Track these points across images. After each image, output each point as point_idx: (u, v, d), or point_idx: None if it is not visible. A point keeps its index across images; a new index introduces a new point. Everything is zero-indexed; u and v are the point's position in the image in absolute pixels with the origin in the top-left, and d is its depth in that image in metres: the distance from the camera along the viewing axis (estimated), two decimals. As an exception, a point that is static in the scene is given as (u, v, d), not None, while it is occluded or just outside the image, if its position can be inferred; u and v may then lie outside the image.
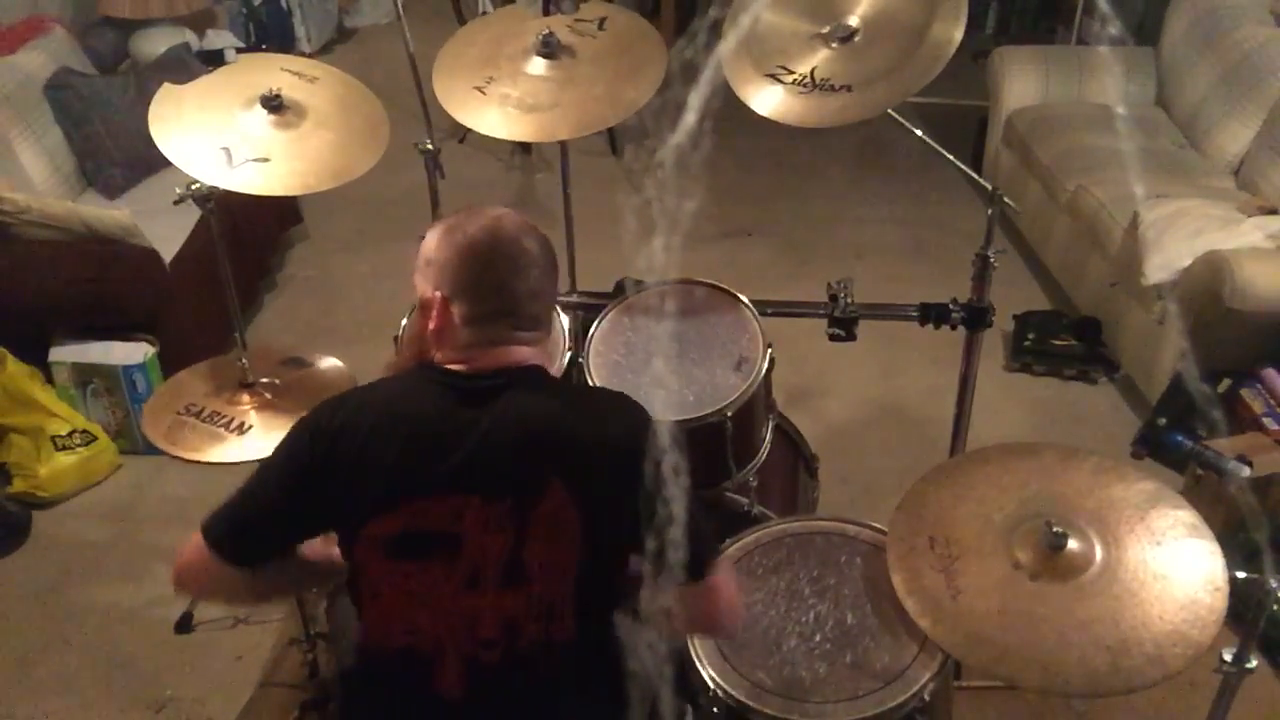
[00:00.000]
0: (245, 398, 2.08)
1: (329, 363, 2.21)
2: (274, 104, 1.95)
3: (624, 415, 1.39)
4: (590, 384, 1.95)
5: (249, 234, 3.57)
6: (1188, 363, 2.96)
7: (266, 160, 1.91)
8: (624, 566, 1.37)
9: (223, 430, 2.02)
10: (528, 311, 1.40)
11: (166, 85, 2.01)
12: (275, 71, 2.04)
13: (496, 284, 1.38)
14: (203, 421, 2.04)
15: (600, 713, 1.38)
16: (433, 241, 1.41)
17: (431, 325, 1.38)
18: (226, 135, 1.93)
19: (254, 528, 1.39)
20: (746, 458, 2.04)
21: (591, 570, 1.34)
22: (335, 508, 1.37)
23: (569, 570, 1.34)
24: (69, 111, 3.50)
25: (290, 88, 2.00)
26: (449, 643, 1.34)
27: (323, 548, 1.54)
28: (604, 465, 1.33)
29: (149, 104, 1.95)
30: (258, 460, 1.96)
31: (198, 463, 1.97)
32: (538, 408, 1.37)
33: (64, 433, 2.91)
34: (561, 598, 1.34)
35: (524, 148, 4.78)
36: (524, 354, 1.40)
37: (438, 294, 1.38)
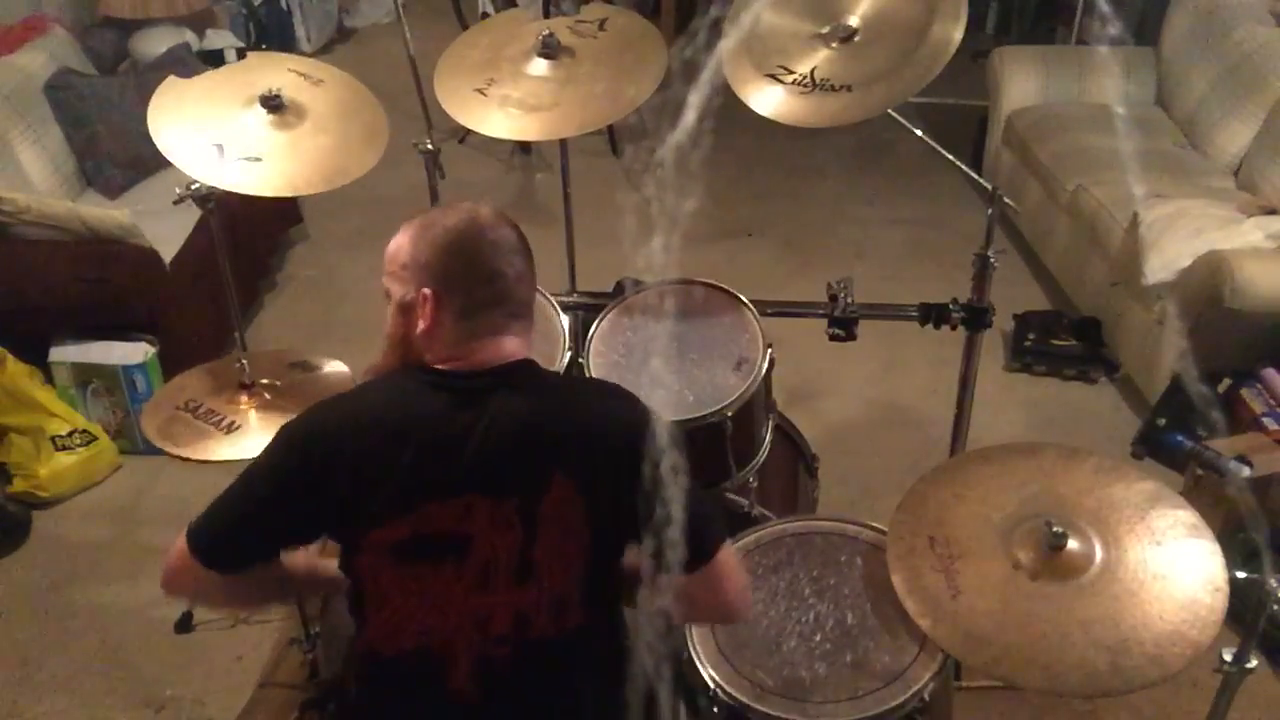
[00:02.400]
0: (244, 398, 2.08)
1: (332, 366, 2.21)
2: (274, 104, 1.95)
3: (617, 402, 1.39)
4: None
5: (249, 234, 3.57)
6: (1186, 363, 2.97)
7: (259, 160, 1.90)
8: (623, 551, 1.38)
9: (212, 428, 2.02)
10: (518, 296, 1.39)
11: (171, 78, 1.99)
12: (282, 71, 2.03)
13: (487, 271, 1.37)
14: (197, 418, 2.04)
15: (610, 696, 1.38)
16: (407, 242, 1.39)
17: (423, 325, 1.36)
18: (222, 132, 1.91)
19: (236, 535, 1.37)
20: (746, 458, 2.04)
21: (597, 558, 1.35)
22: (332, 517, 1.35)
23: (577, 561, 1.34)
24: (69, 111, 3.50)
25: (294, 89, 2.00)
26: (460, 642, 1.34)
27: (306, 560, 1.53)
28: (602, 452, 1.33)
29: (149, 104, 1.94)
30: (242, 460, 1.97)
31: (191, 461, 1.97)
32: (533, 403, 1.36)
33: (64, 433, 2.91)
34: (570, 588, 1.34)
35: (524, 148, 4.78)
36: (513, 347, 1.39)
37: (425, 291, 1.36)
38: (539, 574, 1.33)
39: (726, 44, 1.90)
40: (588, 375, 1.97)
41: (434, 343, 1.38)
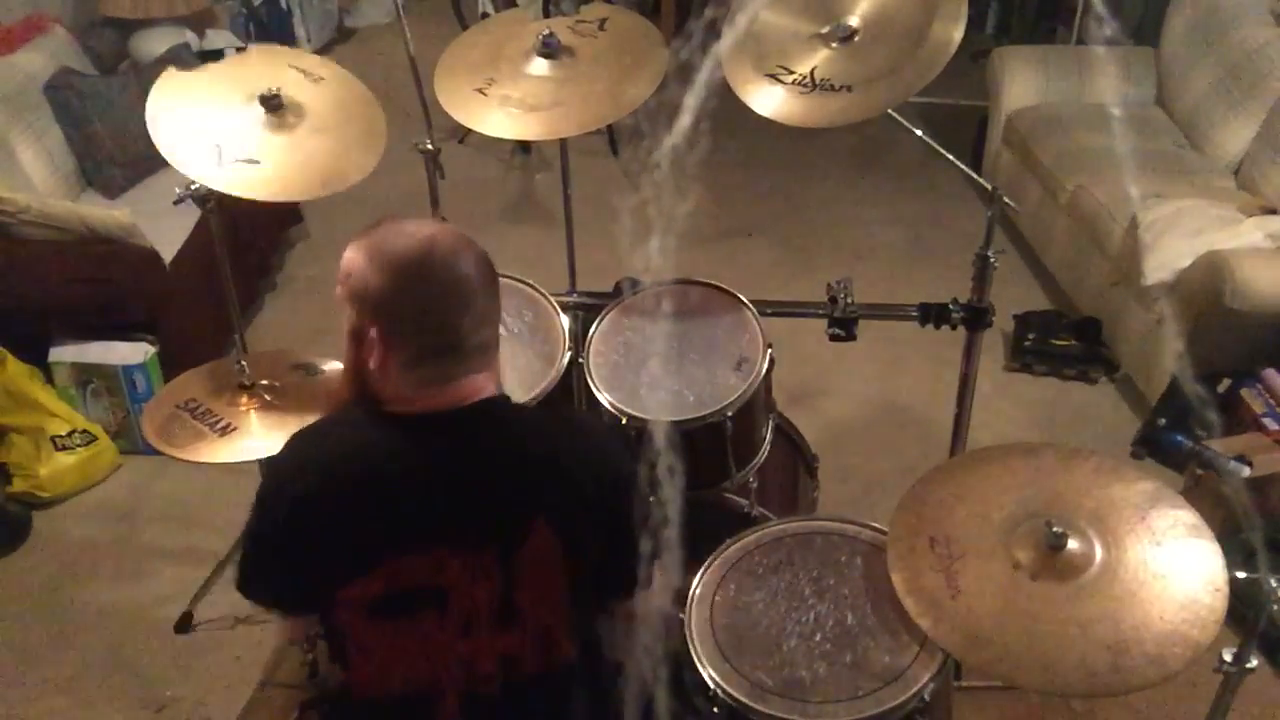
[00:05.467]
0: (243, 399, 2.08)
1: (332, 367, 2.21)
2: (273, 104, 1.93)
3: (590, 439, 1.37)
4: (605, 404, 1.92)
5: (249, 234, 3.57)
6: (1182, 364, 2.96)
7: (256, 163, 1.88)
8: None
9: (211, 430, 2.02)
10: (473, 344, 1.28)
11: (170, 70, 1.96)
12: (283, 67, 2.02)
13: (439, 322, 1.25)
14: (197, 419, 2.04)
15: (604, 716, 1.38)
16: (357, 266, 1.27)
17: (373, 364, 1.27)
18: (221, 130, 1.89)
19: (266, 586, 1.36)
20: (746, 458, 2.04)
21: (579, 593, 1.34)
22: (305, 574, 1.31)
23: (559, 599, 1.33)
24: (69, 111, 3.49)
25: (294, 86, 1.98)
26: (447, 682, 1.32)
27: None
28: (579, 494, 1.31)
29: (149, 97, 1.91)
30: (240, 461, 1.96)
31: (188, 462, 1.97)
32: (505, 449, 1.31)
33: (64, 433, 2.91)
34: (556, 625, 1.34)
35: (524, 148, 4.78)
36: (473, 388, 1.30)
37: (372, 334, 1.25)
38: (522, 618, 1.31)
39: (723, 45, 1.90)
40: (588, 375, 1.97)
41: (386, 382, 1.29)
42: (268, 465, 1.37)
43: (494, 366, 1.35)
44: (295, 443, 1.33)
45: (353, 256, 1.29)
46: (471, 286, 1.27)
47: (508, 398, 1.37)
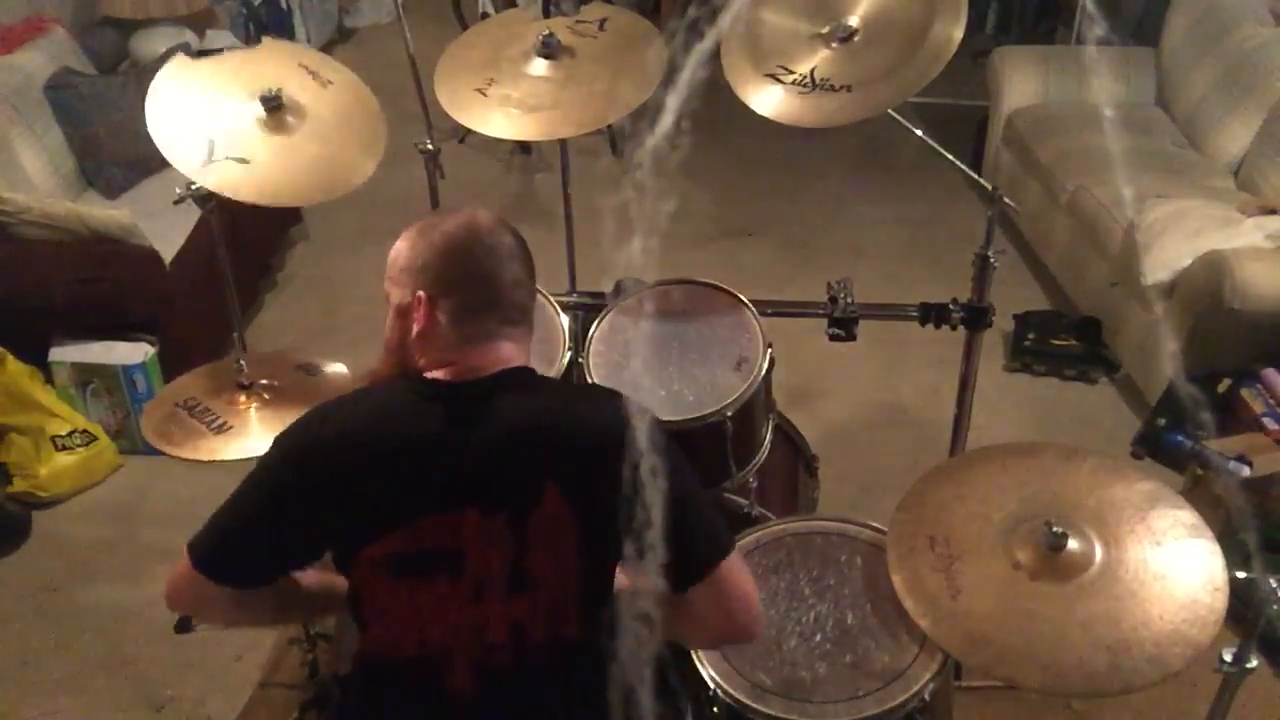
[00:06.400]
0: (243, 399, 2.08)
1: (333, 368, 2.21)
2: (273, 104, 1.91)
3: (614, 410, 1.36)
4: (588, 382, 1.94)
5: (249, 234, 3.57)
6: (1186, 363, 2.97)
7: (246, 162, 1.85)
8: (617, 560, 1.37)
9: (211, 430, 2.02)
10: (513, 300, 1.39)
11: (180, 56, 1.94)
12: (293, 66, 2.00)
13: (481, 275, 1.36)
14: (197, 419, 2.04)
15: (607, 701, 1.38)
16: (405, 247, 1.39)
17: (416, 328, 1.36)
18: (217, 125, 1.87)
19: (241, 550, 1.35)
20: (746, 458, 2.04)
21: (591, 571, 1.34)
22: (326, 531, 1.34)
23: (570, 573, 1.33)
24: (69, 111, 3.50)
25: (299, 88, 1.96)
26: (457, 649, 1.34)
27: (320, 576, 1.50)
28: (598, 464, 1.31)
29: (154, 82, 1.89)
30: (236, 460, 1.96)
31: (190, 461, 1.97)
32: (527, 411, 1.35)
33: (64, 433, 2.91)
34: (565, 600, 1.34)
35: (524, 148, 4.78)
36: (509, 353, 1.38)
37: (419, 294, 1.36)
38: (532, 584, 1.32)
39: (725, 43, 1.90)
40: (588, 375, 1.97)
41: (428, 346, 1.37)
42: (288, 428, 1.36)
43: (527, 342, 1.43)
44: (327, 405, 1.38)
45: (399, 245, 1.41)
46: (511, 250, 1.40)
47: (533, 369, 1.42)
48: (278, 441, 1.35)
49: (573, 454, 1.33)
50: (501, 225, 1.41)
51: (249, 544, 1.35)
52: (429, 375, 1.37)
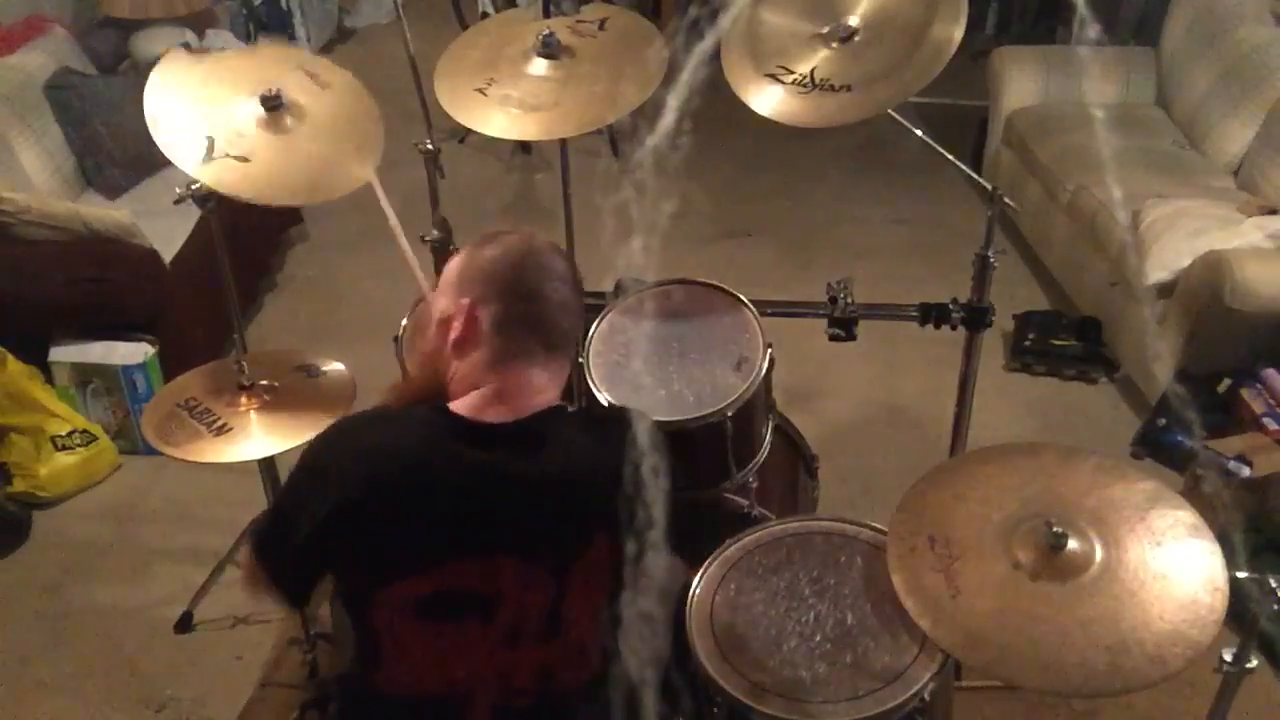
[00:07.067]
0: (243, 399, 2.08)
1: (333, 368, 2.21)
2: (273, 104, 1.91)
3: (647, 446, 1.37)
4: (605, 403, 1.90)
5: (249, 234, 3.57)
6: (1177, 365, 2.97)
7: (247, 160, 1.85)
8: None
9: (207, 430, 2.01)
10: (556, 322, 1.36)
11: (177, 48, 1.94)
12: (293, 68, 1.99)
13: (528, 289, 1.34)
14: (194, 419, 2.04)
15: None
16: (458, 260, 1.39)
17: (454, 335, 1.33)
18: (216, 123, 1.86)
19: (286, 554, 1.33)
20: (746, 458, 2.04)
21: (613, 601, 1.34)
22: (351, 565, 1.31)
23: (600, 610, 1.33)
24: (69, 111, 3.50)
25: (298, 89, 1.96)
26: (480, 691, 1.32)
27: None
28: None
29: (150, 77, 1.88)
30: (239, 461, 1.96)
31: (188, 461, 1.97)
32: (569, 461, 1.32)
33: (64, 433, 2.91)
34: (592, 637, 1.34)
35: (524, 148, 4.78)
36: (541, 384, 1.35)
37: (463, 301, 1.34)
38: (566, 628, 1.32)
39: (725, 43, 1.90)
40: (588, 375, 1.96)
41: (463, 359, 1.33)
42: (313, 447, 1.33)
43: (562, 374, 1.39)
44: (359, 424, 1.35)
45: (454, 262, 1.40)
46: (562, 274, 1.38)
47: (565, 406, 1.39)
48: (309, 459, 1.32)
49: (617, 500, 1.32)
50: (557, 251, 1.40)
51: (299, 564, 1.35)
52: (464, 414, 1.32)
